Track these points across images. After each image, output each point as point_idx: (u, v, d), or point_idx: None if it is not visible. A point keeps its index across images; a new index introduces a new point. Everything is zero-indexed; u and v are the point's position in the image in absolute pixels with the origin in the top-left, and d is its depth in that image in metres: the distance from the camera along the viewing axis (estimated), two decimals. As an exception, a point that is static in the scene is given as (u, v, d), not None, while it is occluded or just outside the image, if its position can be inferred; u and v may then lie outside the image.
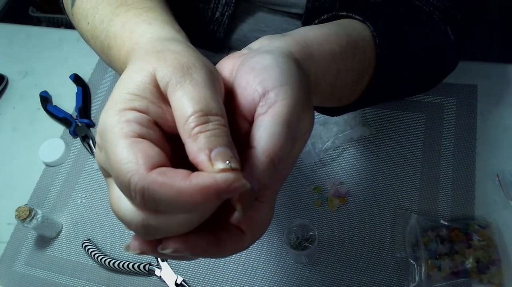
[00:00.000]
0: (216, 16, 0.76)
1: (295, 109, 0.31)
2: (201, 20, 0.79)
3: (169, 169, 0.28)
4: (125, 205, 0.29)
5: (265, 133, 0.30)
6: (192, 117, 0.29)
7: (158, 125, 0.31)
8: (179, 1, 0.80)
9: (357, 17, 0.47)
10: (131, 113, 0.30)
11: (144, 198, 0.27)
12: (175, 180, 0.27)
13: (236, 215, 0.31)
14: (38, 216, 0.65)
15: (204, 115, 0.29)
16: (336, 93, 0.44)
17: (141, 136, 0.29)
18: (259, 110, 0.31)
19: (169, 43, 0.36)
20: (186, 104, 0.29)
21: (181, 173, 0.28)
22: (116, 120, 0.30)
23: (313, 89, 0.37)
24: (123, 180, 0.28)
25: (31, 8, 1.64)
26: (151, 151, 0.29)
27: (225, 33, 0.78)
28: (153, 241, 0.30)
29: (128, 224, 0.29)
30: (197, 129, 0.29)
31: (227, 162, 0.28)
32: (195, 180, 0.27)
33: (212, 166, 0.28)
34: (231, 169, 0.27)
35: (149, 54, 0.33)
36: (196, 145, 0.28)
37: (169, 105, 0.31)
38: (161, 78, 0.31)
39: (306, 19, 0.69)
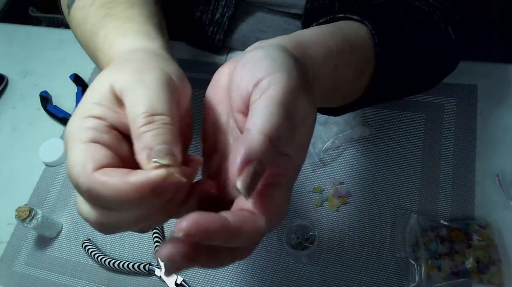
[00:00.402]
0: (216, 17, 0.76)
1: (290, 92, 0.31)
2: (201, 22, 0.79)
3: (112, 169, 0.30)
4: (84, 205, 0.32)
5: (260, 114, 0.30)
6: (139, 118, 0.31)
7: (118, 129, 0.33)
8: (178, 5, 0.80)
9: (355, 17, 0.47)
10: (89, 120, 0.32)
11: (91, 197, 0.30)
12: (114, 179, 0.29)
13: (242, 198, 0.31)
14: (38, 216, 0.65)
15: (150, 116, 0.31)
16: (337, 89, 0.44)
17: (94, 141, 0.31)
18: (253, 98, 0.31)
19: (135, 53, 0.39)
20: (135, 106, 0.31)
21: (122, 172, 0.29)
22: (75, 127, 0.32)
23: (311, 82, 0.37)
24: (73, 181, 0.30)
25: (31, 8, 1.64)
26: (99, 153, 0.31)
27: (225, 34, 0.78)
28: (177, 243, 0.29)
29: (88, 222, 0.33)
30: (142, 129, 0.30)
31: (164, 158, 0.29)
32: (132, 178, 0.29)
33: (148, 164, 0.29)
34: (166, 165, 0.29)
35: (112, 66, 0.36)
36: (140, 144, 0.30)
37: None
38: (118, 86, 0.33)
39: (306, 19, 0.69)
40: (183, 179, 0.29)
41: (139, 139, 0.31)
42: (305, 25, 0.70)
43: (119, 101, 0.33)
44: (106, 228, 0.33)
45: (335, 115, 0.51)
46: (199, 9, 0.77)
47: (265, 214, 0.30)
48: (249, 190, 0.28)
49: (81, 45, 0.53)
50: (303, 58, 0.36)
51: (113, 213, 0.31)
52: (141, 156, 0.30)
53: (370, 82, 0.47)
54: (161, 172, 0.28)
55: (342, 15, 0.48)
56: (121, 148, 0.33)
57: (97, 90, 0.34)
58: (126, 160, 0.32)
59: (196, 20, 0.79)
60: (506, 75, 0.71)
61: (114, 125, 0.33)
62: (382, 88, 0.49)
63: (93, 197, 0.30)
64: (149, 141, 0.30)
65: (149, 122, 0.30)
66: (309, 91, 0.34)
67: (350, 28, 0.46)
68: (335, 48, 0.41)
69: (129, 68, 0.34)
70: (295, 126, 0.31)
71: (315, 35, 0.41)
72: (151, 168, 0.29)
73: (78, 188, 0.30)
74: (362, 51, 0.45)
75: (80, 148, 0.31)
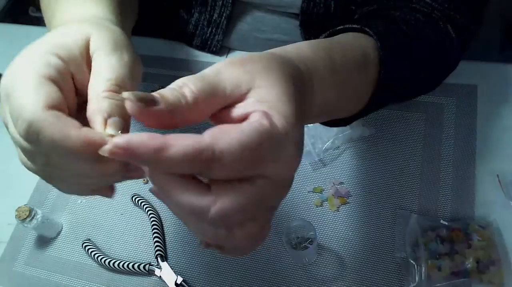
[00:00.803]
0: (214, 18, 0.76)
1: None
2: (200, 24, 0.79)
3: (64, 114, 0.31)
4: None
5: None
6: (107, 83, 0.33)
7: (73, 80, 0.35)
8: (176, 7, 0.80)
9: (355, 26, 0.47)
10: (54, 59, 0.34)
11: (29, 131, 0.30)
12: (67, 125, 0.30)
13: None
14: (38, 216, 0.65)
15: (117, 86, 0.33)
16: (342, 96, 0.44)
17: (53, 80, 0.33)
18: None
19: (107, 22, 0.41)
20: (107, 71, 0.34)
21: (74, 123, 0.31)
22: (38, 57, 0.33)
23: (309, 90, 0.37)
24: (17, 112, 0.31)
25: (31, 8, 1.64)
26: (54, 94, 0.32)
27: (224, 34, 0.78)
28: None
29: (28, 168, 0.35)
30: (106, 93, 0.33)
31: (119, 131, 0.31)
32: (86, 132, 0.30)
33: (104, 129, 0.31)
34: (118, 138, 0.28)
35: (87, 23, 0.38)
36: (98, 105, 0.32)
37: (90, 69, 0.35)
38: (94, 43, 0.35)
39: (303, 19, 0.69)
40: (126, 159, 0.28)
41: (98, 101, 0.32)
42: (303, 25, 0.70)
43: (88, 58, 0.35)
44: (46, 177, 0.36)
45: (346, 125, 0.50)
46: (197, 10, 0.77)
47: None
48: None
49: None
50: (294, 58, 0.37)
51: (43, 159, 0.33)
52: (96, 117, 0.32)
53: (376, 86, 0.47)
54: (116, 141, 0.26)
55: (341, 26, 0.48)
56: (72, 100, 0.35)
57: (70, 35, 0.35)
58: (70, 113, 0.33)
59: (194, 22, 0.79)
60: (506, 75, 0.71)
61: (73, 75, 0.35)
62: (388, 91, 0.49)
63: (31, 131, 0.30)
64: (109, 108, 0.32)
65: (115, 91, 0.33)
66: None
67: (347, 35, 0.47)
68: (329, 46, 0.42)
69: (107, 33, 0.37)
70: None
71: (308, 43, 0.41)
72: (107, 134, 0.31)
73: (20, 121, 0.31)
74: (360, 47, 0.46)
75: (37, 81, 0.32)
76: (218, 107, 0.31)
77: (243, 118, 0.30)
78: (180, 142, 0.27)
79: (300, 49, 0.40)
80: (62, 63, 0.34)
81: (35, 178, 0.76)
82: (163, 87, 0.32)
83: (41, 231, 0.68)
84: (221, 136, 0.27)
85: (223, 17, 0.75)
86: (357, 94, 0.47)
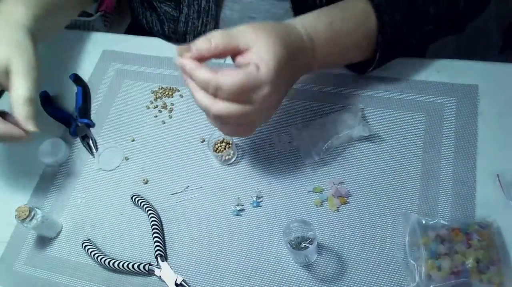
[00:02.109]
0: (203, 5, 0.76)
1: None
2: (189, 20, 0.79)
3: None
4: None
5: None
6: (24, 98, 0.61)
7: None
8: (161, 1, 0.80)
9: None
10: None
11: None
12: None
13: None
14: (38, 216, 0.65)
15: (30, 100, 0.61)
16: (339, 39, 0.62)
17: None
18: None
19: (21, 37, 0.68)
20: (25, 90, 0.61)
21: None
22: None
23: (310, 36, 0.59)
24: None
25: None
26: None
27: (216, 23, 0.78)
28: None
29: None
30: (24, 105, 0.61)
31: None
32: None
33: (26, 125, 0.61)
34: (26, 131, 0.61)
35: (10, 44, 0.64)
36: (20, 112, 0.62)
37: (7, 79, 0.62)
38: (15, 65, 0.61)
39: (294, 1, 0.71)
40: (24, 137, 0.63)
41: (19, 108, 0.61)
42: (295, 8, 0.71)
43: (8, 72, 0.60)
44: None
45: (363, 72, 0.70)
46: (185, 3, 0.77)
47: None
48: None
49: None
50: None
51: None
52: (21, 118, 0.61)
53: (379, 32, 0.63)
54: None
55: None
56: None
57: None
58: None
59: (184, 18, 0.79)
60: (506, 75, 0.71)
61: None
62: (388, 36, 0.63)
63: None
64: (28, 116, 0.61)
65: (29, 106, 0.61)
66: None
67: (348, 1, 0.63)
68: (326, 13, 0.61)
69: (23, 60, 0.62)
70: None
71: (310, 13, 0.62)
72: (29, 129, 0.62)
73: None
74: (357, 9, 0.63)
75: None
76: (233, 53, 0.53)
77: (246, 63, 0.52)
78: (203, 71, 0.51)
79: (304, 17, 0.61)
80: None
81: (35, 178, 0.76)
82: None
83: (41, 231, 0.68)
84: (225, 74, 0.50)
85: (211, 1, 0.75)
86: (359, 45, 0.65)
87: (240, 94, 0.51)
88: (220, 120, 0.54)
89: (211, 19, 0.77)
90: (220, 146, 0.70)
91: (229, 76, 0.50)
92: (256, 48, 0.52)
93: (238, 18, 0.77)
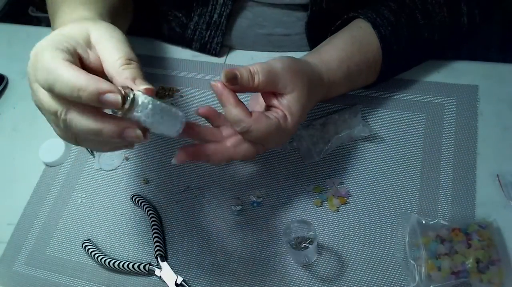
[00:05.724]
0: (214, 19, 0.76)
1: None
2: (197, 29, 0.79)
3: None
4: (46, 97, 0.44)
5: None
6: (119, 60, 0.44)
7: (81, 61, 0.46)
8: (172, 10, 0.80)
9: (361, 16, 0.66)
10: (66, 43, 0.45)
11: (48, 78, 0.41)
12: (80, 71, 0.42)
13: None
14: (144, 101, 0.43)
15: (128, 60, 0.45)
16: (351, 81, 0.66)
17: (67, 59, 0.43)
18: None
19: (99, 20, 0.54)
20: (115, 51, 0.45)
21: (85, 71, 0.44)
22: (51, 46, 0.44)
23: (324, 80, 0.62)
24: (41, 67, 0.42)
25: (31, 8, 1.64)
26: (70, 58, 0.44)
27: (223, 35, 0.78)
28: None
29: (47, 112, 0.47)
30: (123, 67, 0.44)
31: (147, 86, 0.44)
32: (98, 78, 0.41)
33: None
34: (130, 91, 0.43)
35: (85, 21, 0.50)
36: (122, 76, 0.43)
37: (92, 52, 0.47)
38: (95, 33, 0.47)
39: (312, 7, 0.70)
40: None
41: (121, 74, 0.44)
42: (311, 14, 0.70)
43: (89, 44, 0.47)
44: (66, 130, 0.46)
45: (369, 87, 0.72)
46: (197, 12, 0.77)
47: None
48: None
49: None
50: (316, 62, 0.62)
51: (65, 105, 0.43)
52: (126, 83, 0.43)
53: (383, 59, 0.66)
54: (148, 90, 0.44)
55: (351, 14, 0.67)
56: None
57: (73, 29, 0.47)
58: None
59: (193, 26, 0.79)
60: (506, 75, 0.71)
61: (80, 55, 0.46)
62: (393, 58, 0.67)
63: (51, 80, 0.41)
64: (132, 74, 0.44)
65: (128, 63, 0.44)
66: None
67: (359, 28, 0.66)
68: (345, 55, 0.64)
69: (103, 25, 0.49)
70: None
71: (327, 45, 0.66)
72: (142, 89, 0.43)
73: (40, 71, 0.42)
74: (370, 47, 0.65)
75: (55, 51, 0.43)
76: (268, 91, 0.54)
77: (276, 109, 0.55)
78: (240, 111, 0.51)
79: (330, 61, 0.63)
80: (72, 46, 0.45)
81: (35, 178, 0.76)
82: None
83: (156, 126, 0.45)
84: (258, 121, 0.52)
85: (223, 17, 0.75)
86: (367, 79, 0.69)
87: (265, 138, 0.54)
88: (234, 151, 0.56)
89: (219, 32, 0.78)
90: None
91: (261, 125, 0.52)
92: (290, 97, 0.54)
93: (248, 27, 0.77)
